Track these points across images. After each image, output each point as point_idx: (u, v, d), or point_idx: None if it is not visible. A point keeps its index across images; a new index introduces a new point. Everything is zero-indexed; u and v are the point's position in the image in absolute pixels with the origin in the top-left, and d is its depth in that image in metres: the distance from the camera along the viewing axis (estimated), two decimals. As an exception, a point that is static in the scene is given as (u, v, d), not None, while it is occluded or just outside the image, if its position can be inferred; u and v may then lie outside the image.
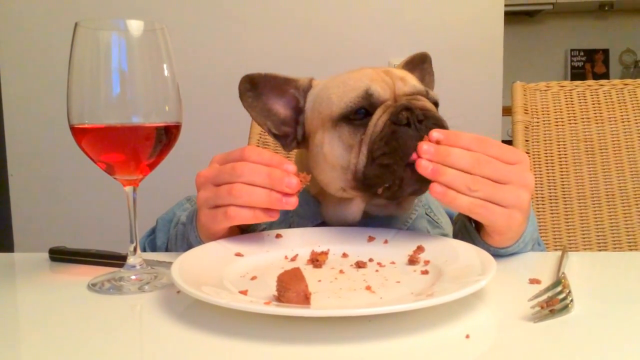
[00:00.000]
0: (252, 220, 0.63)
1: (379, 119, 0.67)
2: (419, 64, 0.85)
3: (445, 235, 0.80)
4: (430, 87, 0.85)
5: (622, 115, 1.23)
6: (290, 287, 0.49)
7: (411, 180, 0.65)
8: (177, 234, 0.79)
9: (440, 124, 0.66)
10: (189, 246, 0.72)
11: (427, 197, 0.84)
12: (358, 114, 0.69)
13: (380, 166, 0.66)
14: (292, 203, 0.62)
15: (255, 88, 0.75)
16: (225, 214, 0.63)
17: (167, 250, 0.84)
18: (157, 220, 0.88)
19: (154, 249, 0.87)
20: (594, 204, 1.20)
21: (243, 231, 0.73)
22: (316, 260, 0.63)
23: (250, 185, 0.61)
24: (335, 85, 0.73)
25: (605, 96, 1.25)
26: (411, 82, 0.72)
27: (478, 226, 0.69)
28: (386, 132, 0.66)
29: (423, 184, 0.64)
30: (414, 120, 0.65)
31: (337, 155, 0.70)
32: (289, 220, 0.81)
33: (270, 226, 0.79)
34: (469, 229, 0.70)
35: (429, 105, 0.69)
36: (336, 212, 0.76)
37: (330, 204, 0.76)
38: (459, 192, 0.60)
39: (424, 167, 0.60)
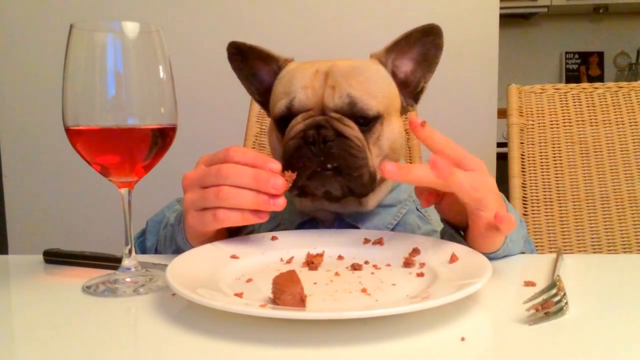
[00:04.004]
0: (242, 222, 0.63)
1: (294, 127, 0.71)
2: (421, 38, 0.78)
3: (435, 231, 0.80)
4: (434, 61, 0.78)
5: (616, 118, 1.24)
6: (286, 289, 0.49)
7: (311, 183, 0.70)
8: (166, 236, 0.79)
9: (343, 155, 0.68)
10: (177, 248, 0.72)
11: None
12: (284, 120, 0.73)
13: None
14: (279, 204, 0.62)
15: (241, 53, 0.81)
16: (214, 217, 0.62)
17: (156, 251, 0.84)
18: (147, 221, 0.88)
19: (143, 250, 0.86)
20: (588, 207, 1.20)
21: (231, 233, 0.73)
22: (312, 262, 0.63)
23: (237, 187, 0.62)
24: (285, 82, 0.76)
25: (599, 99, 1.26)
26: (338, 94, 0.71)
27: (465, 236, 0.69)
28: (290, 145, 0.70)
29: (324, 185, 0.70)
30: (319, 141, 0.68)
31: (273, 149, 0.78)
32: (278, 219, 0.81)
33: (259, 227, 0.79)
34: (458, 239, 0.69)
35: (347, 131, 0.69)
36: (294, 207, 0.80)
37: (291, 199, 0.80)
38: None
39: (440, 167, 0.58)
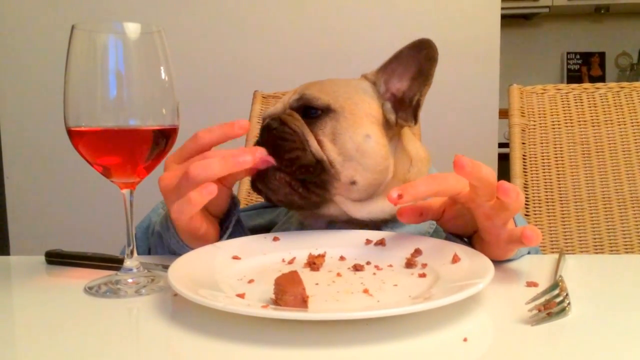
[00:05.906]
0: (220, 174, 0.63)
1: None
2: (414, 55, 0.75)
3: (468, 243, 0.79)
4: (429, 74, 0.74)
5: (618, 118, 1.24)
6: (288, 290, 0.49)
7: (260, 184, 0.72)
8: (156, 244, 0.78)
9: (276, 139, 0.71)
10: (172, 254, 0.72)
11: None
12: None
13: None
14: (248, 161, 0.64)
15: None
16: (188, 202, 0.62)
17: None
18: (135, 228, 0.87)
19: None
20: (590, 207, 1.20)
21: (221, 221, 0.72)
22: (313, 263, 0.63)
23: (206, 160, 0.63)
24: None
25: (601, 99, 1.26)
26: (294, 95, 0.76)
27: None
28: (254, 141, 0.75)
29: (269, 185, 0.71)
30: (264, 133, 0.73)
31: None
32: (304, 225, 0.81)
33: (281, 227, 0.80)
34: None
35: (288, 120, 0.73)
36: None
37: None
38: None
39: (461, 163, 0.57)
